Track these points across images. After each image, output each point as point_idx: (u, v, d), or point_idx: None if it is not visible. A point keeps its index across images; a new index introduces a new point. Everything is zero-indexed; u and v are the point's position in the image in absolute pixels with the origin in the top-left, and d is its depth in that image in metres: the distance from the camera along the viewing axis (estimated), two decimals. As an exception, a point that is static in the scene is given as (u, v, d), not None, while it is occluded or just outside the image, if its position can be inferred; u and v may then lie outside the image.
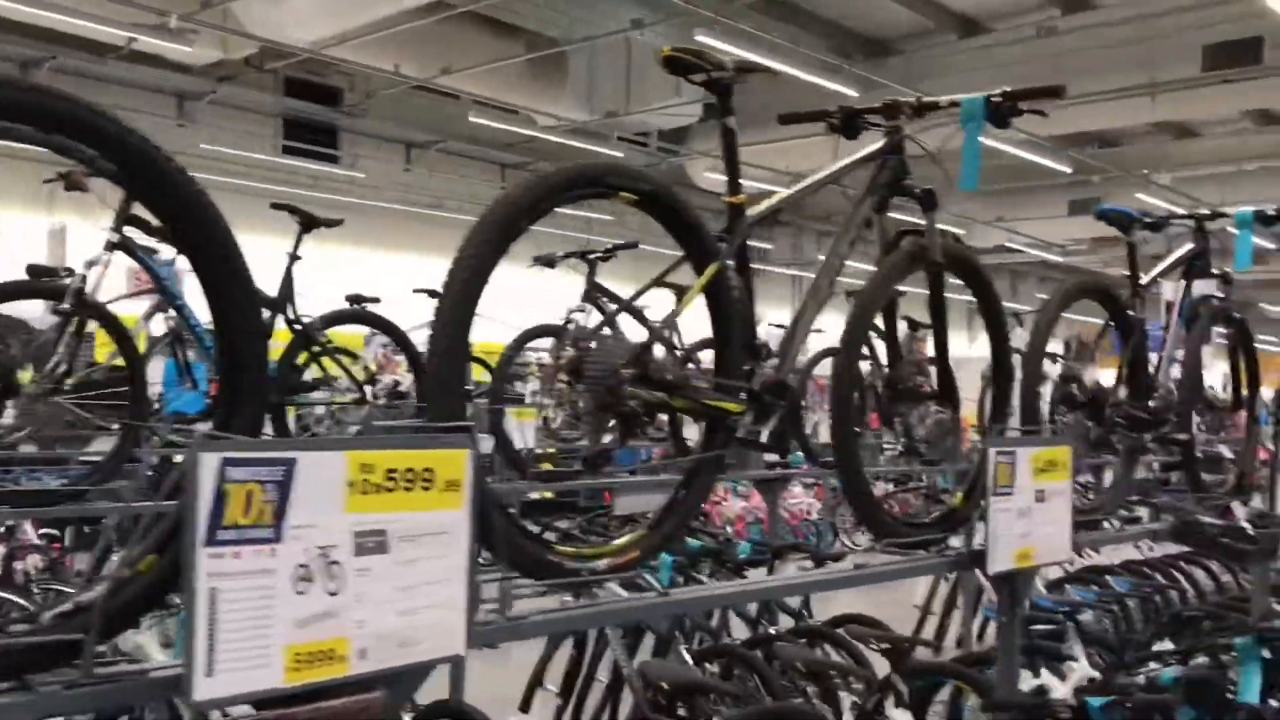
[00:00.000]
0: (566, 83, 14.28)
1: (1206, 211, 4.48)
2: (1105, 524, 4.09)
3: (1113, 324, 3.97)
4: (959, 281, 3.20)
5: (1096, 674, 4.32)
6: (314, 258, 5.09)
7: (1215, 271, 4.40)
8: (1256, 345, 4.83)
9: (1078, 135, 16.96)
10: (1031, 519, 3.30)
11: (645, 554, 2.42)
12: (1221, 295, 4.41)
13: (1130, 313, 3.97)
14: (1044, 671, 4.39)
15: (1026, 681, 4.20)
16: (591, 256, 6.43)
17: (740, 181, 2.56)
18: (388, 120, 16.86)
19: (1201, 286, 4.45)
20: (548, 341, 6.63)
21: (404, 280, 8.01)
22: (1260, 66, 12.43)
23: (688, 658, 4.65)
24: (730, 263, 2.53)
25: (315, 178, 16.73)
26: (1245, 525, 3.85)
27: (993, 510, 3.09)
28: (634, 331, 2.56)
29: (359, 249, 15.23)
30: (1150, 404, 3.99)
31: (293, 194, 15.72)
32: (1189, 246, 4.36)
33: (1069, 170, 17.72)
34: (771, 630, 4.94)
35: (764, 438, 2.54)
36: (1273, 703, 3.61)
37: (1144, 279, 4.09)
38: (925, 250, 3.01)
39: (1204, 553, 5.48)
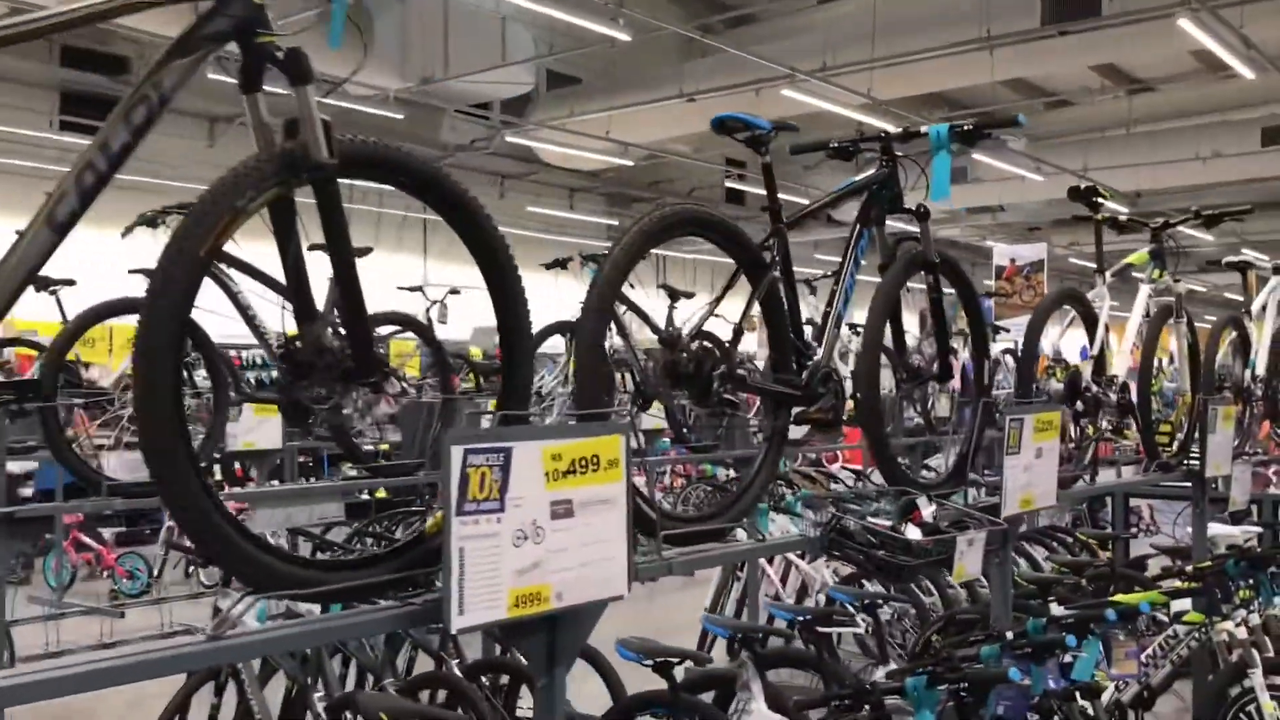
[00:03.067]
0: (373, 45, 13.32)
1: (894, 130, 3.67)
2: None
3: (743, 273, 3.06)
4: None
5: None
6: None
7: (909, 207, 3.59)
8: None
9: (927, 98, 17.27)
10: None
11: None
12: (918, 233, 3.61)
13: (767, 256, 3.10)
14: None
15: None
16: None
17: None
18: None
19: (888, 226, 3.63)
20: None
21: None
22: (1098, 18, 12.43)
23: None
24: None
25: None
26: (913, 533, 3.05)
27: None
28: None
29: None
30: (803, 374, 3.19)
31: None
32: (867, 174, 3.58)
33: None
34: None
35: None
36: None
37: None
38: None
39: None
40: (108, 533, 11.68)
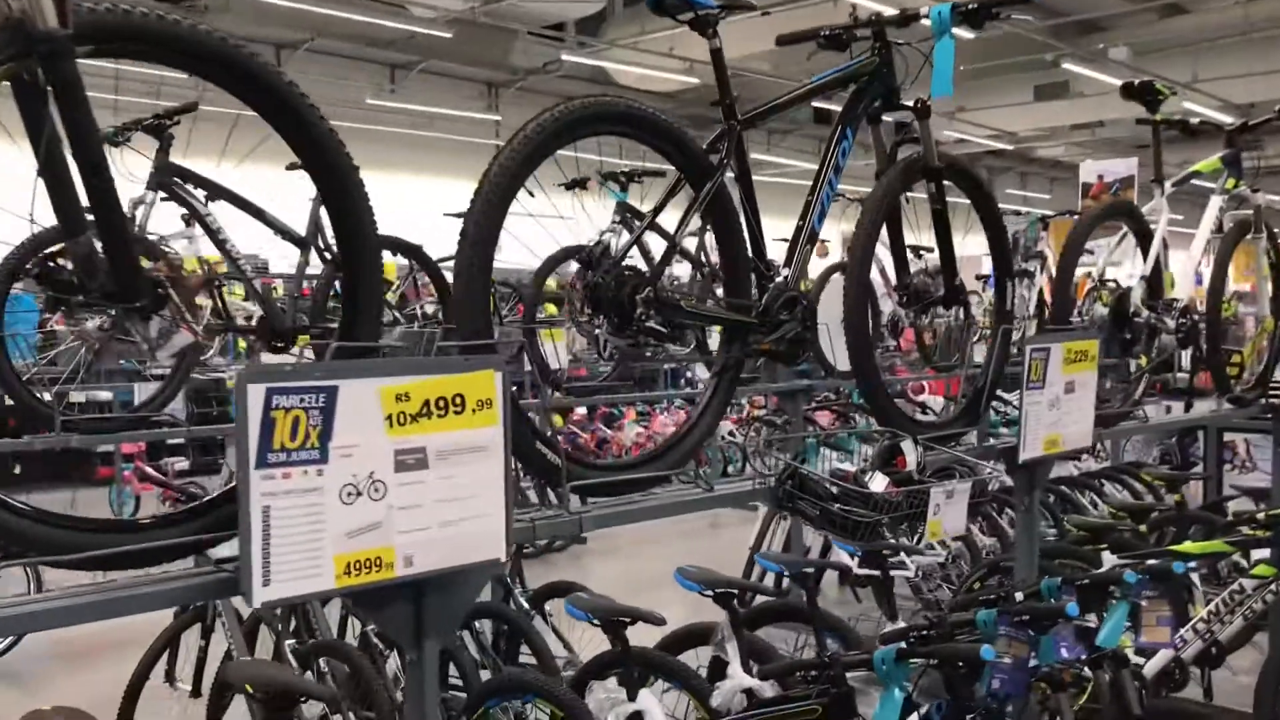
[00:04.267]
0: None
1: (890, 11, 3.13)
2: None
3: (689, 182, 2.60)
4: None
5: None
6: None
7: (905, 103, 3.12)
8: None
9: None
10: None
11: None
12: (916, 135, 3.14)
13: (711, 158, 2.59)
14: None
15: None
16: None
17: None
18: (250, 20, 14.58)
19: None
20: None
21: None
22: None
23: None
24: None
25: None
26: (879, 484, 2.58)
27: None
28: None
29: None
30: (764, 299, 2.72)
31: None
32: (852, 61, 3.07)
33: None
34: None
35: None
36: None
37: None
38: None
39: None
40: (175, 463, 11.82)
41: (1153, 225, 4.11)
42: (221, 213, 4.55)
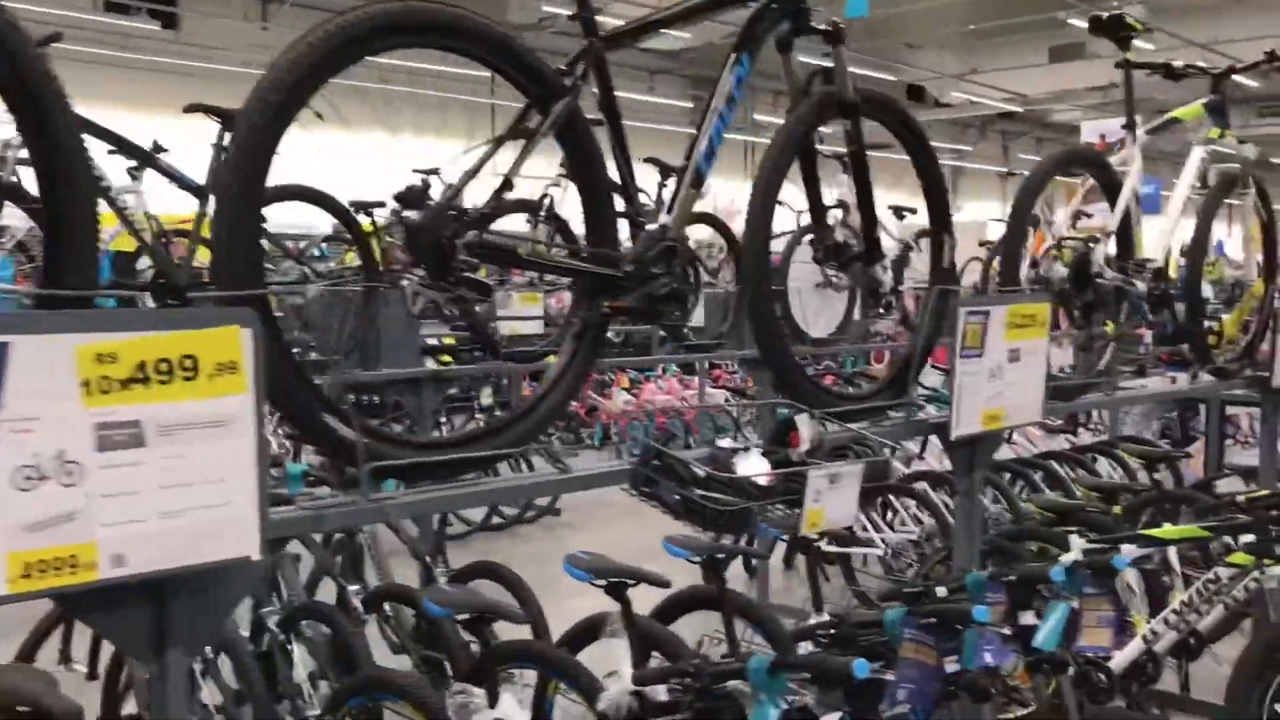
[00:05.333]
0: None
1: None
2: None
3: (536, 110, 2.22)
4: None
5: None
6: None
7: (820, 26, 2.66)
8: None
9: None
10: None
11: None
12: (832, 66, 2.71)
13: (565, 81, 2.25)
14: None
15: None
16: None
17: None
18: None
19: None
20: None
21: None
22: None
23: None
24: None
25: (145, 39, 14.76)
26: (753, 467, 2.19)
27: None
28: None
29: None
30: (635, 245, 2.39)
31: (120, 58, 14.18)
32: None
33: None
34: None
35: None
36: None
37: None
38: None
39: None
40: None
41: (1124, 176, 3.70)
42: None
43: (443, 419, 8.98)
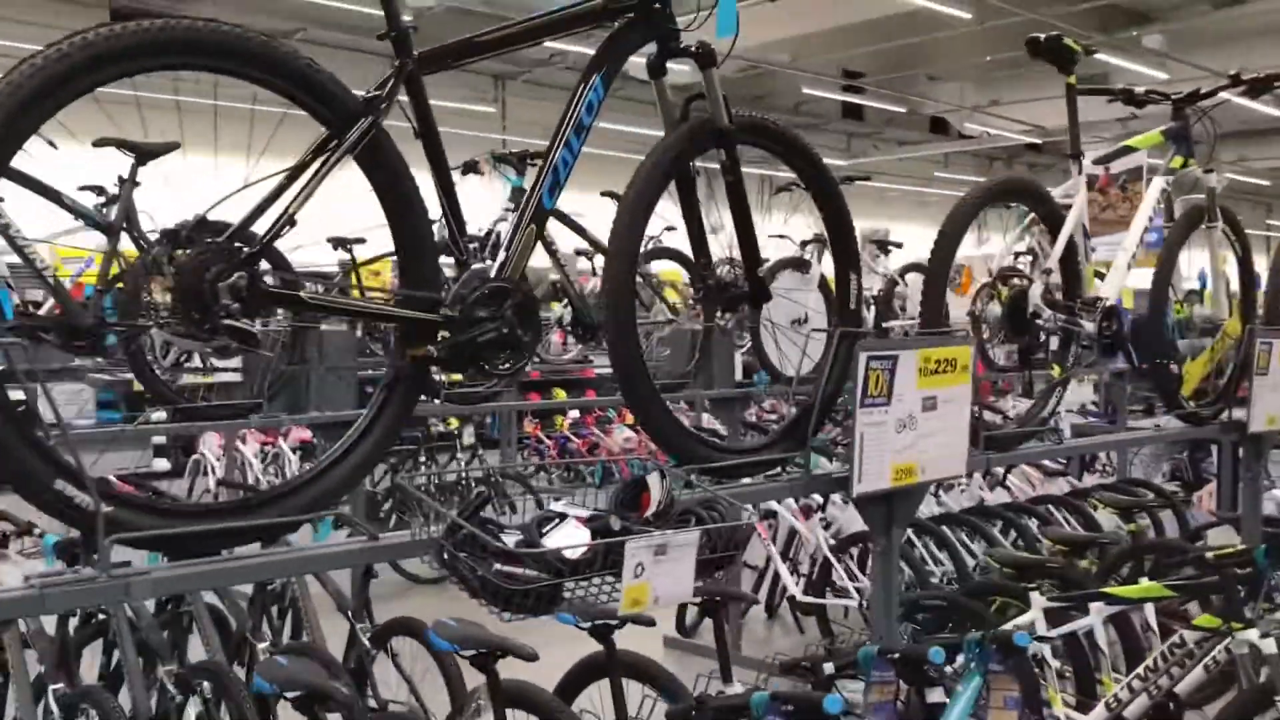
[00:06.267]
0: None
1: None
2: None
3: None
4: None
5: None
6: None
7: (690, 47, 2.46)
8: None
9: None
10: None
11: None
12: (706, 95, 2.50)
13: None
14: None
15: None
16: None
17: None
18: (234, 9, 13.33)
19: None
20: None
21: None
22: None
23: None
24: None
25: None
26: (571, 538, 1.90)
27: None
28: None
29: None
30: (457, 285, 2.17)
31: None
32: None
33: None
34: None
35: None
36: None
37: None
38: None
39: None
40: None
41: (1063, 206, 3.43)
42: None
43: (423, 459, 8.81)
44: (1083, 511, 5.90)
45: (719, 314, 2.61)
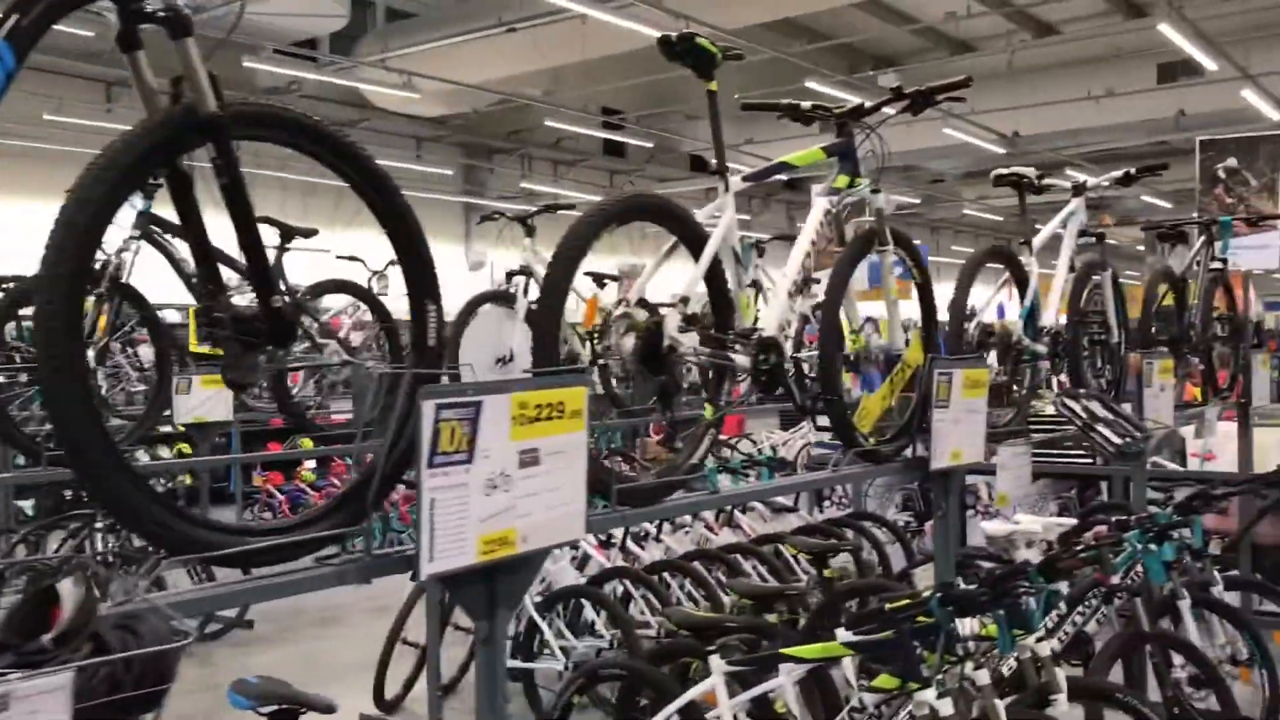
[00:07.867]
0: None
1: None
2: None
3: None
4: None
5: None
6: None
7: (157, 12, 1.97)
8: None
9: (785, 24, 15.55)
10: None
11: None
12: None
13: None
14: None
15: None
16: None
17: None
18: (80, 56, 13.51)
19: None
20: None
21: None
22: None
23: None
24: None
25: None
26: None
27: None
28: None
29: None
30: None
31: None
32: None
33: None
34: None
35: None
36: None
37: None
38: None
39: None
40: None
41: (710, 230, 3.04)
42: None
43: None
44: (771, 560, 5.44)
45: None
